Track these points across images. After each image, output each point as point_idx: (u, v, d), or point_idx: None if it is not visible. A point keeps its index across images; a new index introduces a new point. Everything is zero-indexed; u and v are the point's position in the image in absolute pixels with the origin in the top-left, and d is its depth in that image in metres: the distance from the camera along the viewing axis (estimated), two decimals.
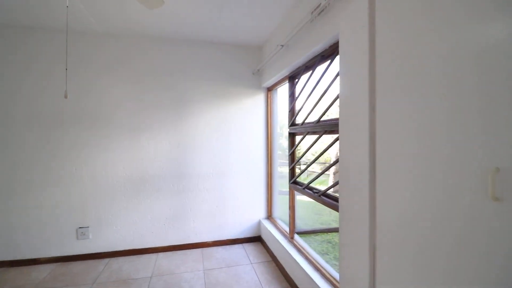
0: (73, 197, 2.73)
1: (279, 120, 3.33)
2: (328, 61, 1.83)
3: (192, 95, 3.02)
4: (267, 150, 3.27)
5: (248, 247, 3.08)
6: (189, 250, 3.01)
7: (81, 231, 2.74)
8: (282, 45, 2.22)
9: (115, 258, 2.81)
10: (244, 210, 3.21)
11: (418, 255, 1.00)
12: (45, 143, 2.65)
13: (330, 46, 1.76)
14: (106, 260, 2.76)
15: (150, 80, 2.91)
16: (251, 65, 3.19)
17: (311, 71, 2.08)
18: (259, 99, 3.24)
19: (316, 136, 1.99)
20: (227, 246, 3.11)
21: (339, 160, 1.51)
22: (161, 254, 2.90)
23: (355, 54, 1.34)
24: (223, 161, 3.13)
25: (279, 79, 2.76)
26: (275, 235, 2.71)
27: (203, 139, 3.06)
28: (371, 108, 1.26)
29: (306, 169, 2.27)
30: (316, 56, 1.95)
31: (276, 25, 2.57)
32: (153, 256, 2.86)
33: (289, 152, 2.56)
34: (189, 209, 3.05)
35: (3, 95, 2.56)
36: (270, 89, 3.21)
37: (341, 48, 1.45)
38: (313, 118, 2.08)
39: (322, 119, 1.91)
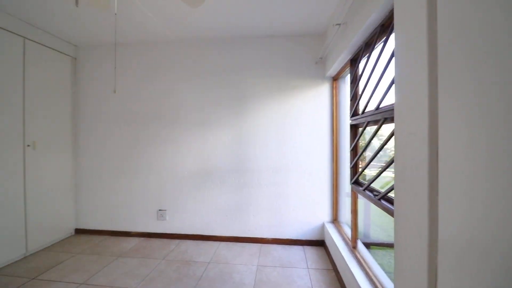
0: (154, 183, 3.20)
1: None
2: (388, 32, 1.46)
3: (252, 90, 3.04)
4: (333, 146, 2.94)
5: (309, 251, 2.86)
6: (248, 243, 3.04)
7: (160, 213, 3.18)
8: (339, 24, 1.93)
9: (184, 240, 3.12)
10: (306, 210, 3.00)
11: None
12: (136, 138, 3.21)
13: (390, 11, 1.39)
14: (177, 241, 3.11)
15: (213, 78, 3.10)
16: (313, 54, 2.94)
17: (371, 49, 1.72)
18: (323, 90, 2.95)
19: (376, 126, 1.62)
20: (287, 246, 2.98)
21: (394, 155, 1.18)
22: (222, 244, 3.04)
23: (411, 19, 1.00)
24: (283, 157, 3.01)
25: (341, 64, 2.43)
26: (336, 242, 2.40)
27: (264, 134, 3.03)
28: (431, 89, 0.91)
29: (366, 167, 1.90)
30: (375, 28, 1.59)
31: (335, 7, 2.27)
32: (215, 244, 3.03)
33: (350, 147, 2.21)
34: (250, 203, 3.08)
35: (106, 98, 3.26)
36: (335, 78, 2.88)
37: (395, 13, 1.12)
38: (374, 105, 1.72)
39: (381, 104, 1.54)
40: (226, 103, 3.08)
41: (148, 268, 2.47)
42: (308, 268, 2.49)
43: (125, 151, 3.24)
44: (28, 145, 2.69)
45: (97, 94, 3.28)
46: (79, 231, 3.33)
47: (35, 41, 2.76)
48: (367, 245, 2.88)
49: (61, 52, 3.11)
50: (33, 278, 2.26)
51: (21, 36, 2.61)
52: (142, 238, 3.18)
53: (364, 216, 3.10)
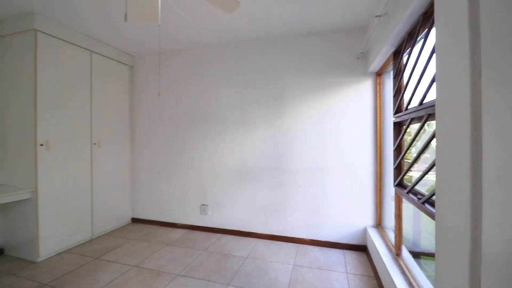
0: (198, 179, 3.42)
1: None
2: (431, 21, 1.32)
3: (290, 89, 3.03)
4: (376, 145, 2.76)
5: (349, 255, 2.74)
6: (285, 242, 3.04)
7: (203, 208, 3.39)
8: (379, 15, 1.81)
9: (224, 235, 3.27)
10: (346, 213, 2.88)
11: None
12: (180, 136, 3.48)
13: None
14: (218, 235, 3.27)
15: (251, 79, 3.18)
16: (353, 50, 2.80)
17: (414, 40, 1.58)
18: (366, 86, 2.79)
19: (420, 123, 1.49)
20: (325, 248, 2.90)
21: (436, 155, 1.08)
22: (260, 241, 3.10)
23: (452, 12, 0.91)
24: (322, 157, 2.94)
25: (384, 58, 2.27)
26: (378, 248, 2.26)
27: (301, 133, 3.00)
28: (474, 86, 0.81)
29: (409, 168, 1.74)
30: (417, 17, 1.46)
31: None
32: (253, 240, 3.11)
33: (393, 146, 2.05)
34: (287, 203, 3.07)
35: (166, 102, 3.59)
36: (379, 74, 2.69)
37: (436, 8, 1.03)
38: (418, 100, 1.57)
39: (425, 99, 1.41)
40: (264, 103, 3.13)
41: (191, 257, 2.66)
42: (347, 272, 2.40)
43: (172, 149, 3.54)
44: (94, 143, 3.13)
45: (148, 97, 3.65)
46: (134, 220, 3.75)
47: (99, 54, 3.19)
48: (417, 255, 2.63)
49: (120, 62, 3.53)
50: (96, 258, 2.63)
51: (88, 50, 3.05)
52: (187, 230, 3.43)
53: (413, 223, 2.84)
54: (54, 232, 2.67)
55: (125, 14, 1.38)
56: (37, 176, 2.51)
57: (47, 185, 2.60)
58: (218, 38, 3.10)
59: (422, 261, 2.72)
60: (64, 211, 2.77)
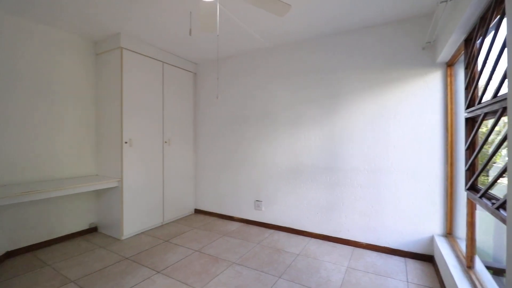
0: (253, 176, 3.60)
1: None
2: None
3: (346, 87, 2.94)
4: (447, 145, 2.47)
5: (412, 264, 2.52)
6: (338, 244, 2.97)
7: (257, 204, 3.55)
8: (446, 0, 1.64)
9: (277, 231, 3.37)
10: (409, 218, 2.65)
11: None
12: (236, 135, 3.72)
13: None
14: (271, 230, 3.38)
15: (304, 78, 3.20)
16: (417, 40, 2.56)
17: (487, 25, 1.39)
18: (434, 78, 2.52)
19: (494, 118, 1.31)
20: (383, 254, 2.72)
21: (508, 154, 0.98)
22: (313, 240, 3.09)
23: None
24: (380, 156, 2.77)
25: (455, 47, 2.02)
26: (446, 258, 2.04)
27: (357, 131, 2.88)
28: None
29: (482, 170, 1.52)
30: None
31: None
32: (305, 238, 3.12)
33: (465, 145, 1.83)
34: (342, 203, 2.99)
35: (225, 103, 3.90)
36: (450, 64, 2.40)
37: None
38: (492, 93, 1.38)
39: (500, 92, 1.24)
40: (317, 102, 3.11)
41: (245, 248, 2.83)
42: (408, 282, 2.22)
43: (228, 148, 3.80)
44: (165, 142, 3.59)
45: (207, 100, 4.01)
46: (197, 211, 4.16)
47: (169, 64, 3.66)
48: (499, 271, 2.27)
49: (186, 70, 3.97)
50: (166, 241, 3.04)
51: (160, 61, 3.52)
52: (242, 224, 3.65)
53: (495, 234, 2.44)
54: (134, 216, 3.18)
55: (190, 30, 1.59)
56: (122, 168, 3.03)
57: (130, 176, 3.12)
58: (270, 41, 3.21)
59: (505, 279, 2.33)
60: (142, 199, 3.28)
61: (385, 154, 2.75)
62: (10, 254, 2.59)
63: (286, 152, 3.33)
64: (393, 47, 2.70)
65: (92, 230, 3.30)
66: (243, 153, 3.68)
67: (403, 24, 2.65)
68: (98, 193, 3.30)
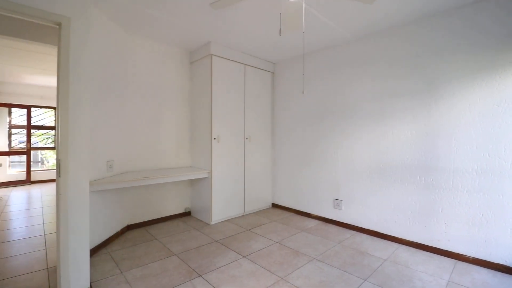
0: (333, 174, 3.50)
1: None
2: None
3: (443, 75, 2.55)
4: None
5: None
6: (435, 254, 2.60)
7: (336, 203, 3.44)
8: None
9: (359, 233, 3.18)
10: None
11: None
12: (316, 131, 3.68)
13: None
14: (352, 231, 3.22)
15: (391, 68, 2.91)
16: None
17: None
18: None
19: None
20: (497, 273, 2.25)
21: None
22: (403, 246, 2.80)
23: None
24: (493, 155, 2.29)
25: None
26: None
27: (460, 125, 2.46)
28: None
29: None
30: None
31: None
32: (394, 244, 2.85)
33: None
34: (440, 209, 2.61)
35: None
36: None
37: None
38: None
39: None
40: (408, 94, 2.80)
41: (325, 246, 2.79)
42: None
43: (307, 144, 3.79)
44: (246, 138, 3.85)
45: (286, 98, 4.09)
46: (274, 205, 4.30)
47: (250, 65, 3.90)
48: None
49: (265, 70, 4.16)
50: (248, 229, 3.26)
51: (242, 63, 3.79)
52: (320, 221, 3.59)
53: None
54: (220, 205, 3.53)
55: (279, 29, 1.67)
56: (211, 161, 3.41)
57: (217, 168, 3.48)
58: (355, 32, 3.04)
59: None
60: (227, 190, 3.61)
61: (502, 153, 2.26)
62: (129, 227, 3.25)
63: (370, 149, 3.11)
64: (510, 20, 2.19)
65: (187, 214, 3.82)
66: (322, 149, 3.61)
67: None
68: (192, 182, 3.80)
